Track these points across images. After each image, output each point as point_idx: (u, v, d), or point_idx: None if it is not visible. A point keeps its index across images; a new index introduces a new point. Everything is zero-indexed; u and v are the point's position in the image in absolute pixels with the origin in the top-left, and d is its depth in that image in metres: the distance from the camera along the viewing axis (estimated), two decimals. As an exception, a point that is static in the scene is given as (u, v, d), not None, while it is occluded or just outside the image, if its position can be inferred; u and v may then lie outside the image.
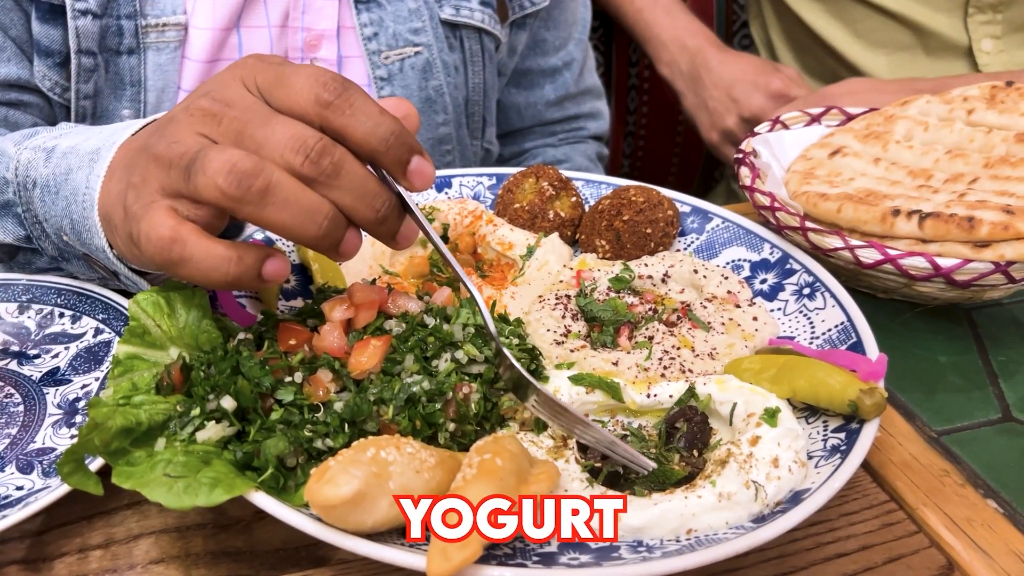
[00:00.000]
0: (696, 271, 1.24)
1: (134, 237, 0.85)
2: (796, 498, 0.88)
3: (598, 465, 0.91)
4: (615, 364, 1.08)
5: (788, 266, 1.24)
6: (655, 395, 1.05)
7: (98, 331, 1.14)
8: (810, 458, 0.94)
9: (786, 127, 1.51)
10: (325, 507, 0.76)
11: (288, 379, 0.90)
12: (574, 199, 1.36)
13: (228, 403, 0.87)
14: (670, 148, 2.80)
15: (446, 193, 1.44)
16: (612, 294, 1.22)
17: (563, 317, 1.16)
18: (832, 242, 1.20)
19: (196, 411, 0.87)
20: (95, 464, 0.87)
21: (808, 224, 1.22)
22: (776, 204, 1.26)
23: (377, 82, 1.59)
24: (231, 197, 0.80)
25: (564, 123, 2.01)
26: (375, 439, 0.83)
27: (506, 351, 0.94)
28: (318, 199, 0.83)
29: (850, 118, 1.54)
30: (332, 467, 0.78)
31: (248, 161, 0.80)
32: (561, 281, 1.25)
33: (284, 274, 0.87)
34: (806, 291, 1.20)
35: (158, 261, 0.83)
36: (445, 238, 1.35)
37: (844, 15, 2.17)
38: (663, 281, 1.25)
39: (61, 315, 1.17)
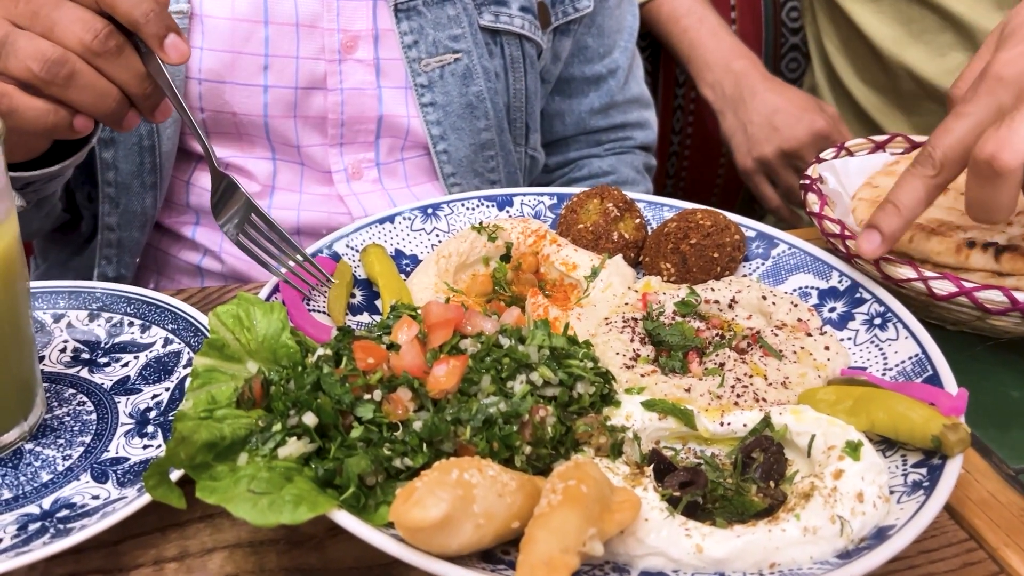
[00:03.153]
0: (764, 297, 1.22)
1: None
2: (880, 534, 0.86)
3: (677, 494, 0.90)
4: (687, 391, 1.07)
5: (858, 295, 1.23)
6: (729, 423, 1.03)
7: (167, 341, 1.15)
8: (891, 493, 0.93)
9: (851, 154, 1.50)
10: (412, 529, 0.76)
11: (367, 397, 0.90)
12: (638, 221, 1.36)
13: (310, 419, 0.87)
14: (713, 171, 2.79)
15: (507, 211, 1.44)
16: (678, 318, 1.21)
17: (631, 340, 1.15)
18: (905, 272, 1.18)
19: (278, 426, 0.87)
20: (174, 476, 0.87)
21: (880, 253, 1.21)
22: (847, 232, 1.25)
23: (418, 89, 1.60)
24: (41, 80, 1.00)
25: (610, 132, 2.00)
26: (458, 460, 0.83)
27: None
28: (108, 83, 1.03)
29: (915, 146, 1.52)
30: (419, 488, 0.77)
31: (55, 51, 0.98)
32: (627, 304, 1.24)
33: (89, 127, 1.07)
34: (877, 321, 1.18)
35: None
36: (507, 257, 1.35)
37: (900, 15, 2.14)
38: (730, 307, 1.24)
39: (131, 324, 1.18)
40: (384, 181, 1.71)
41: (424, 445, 0.88)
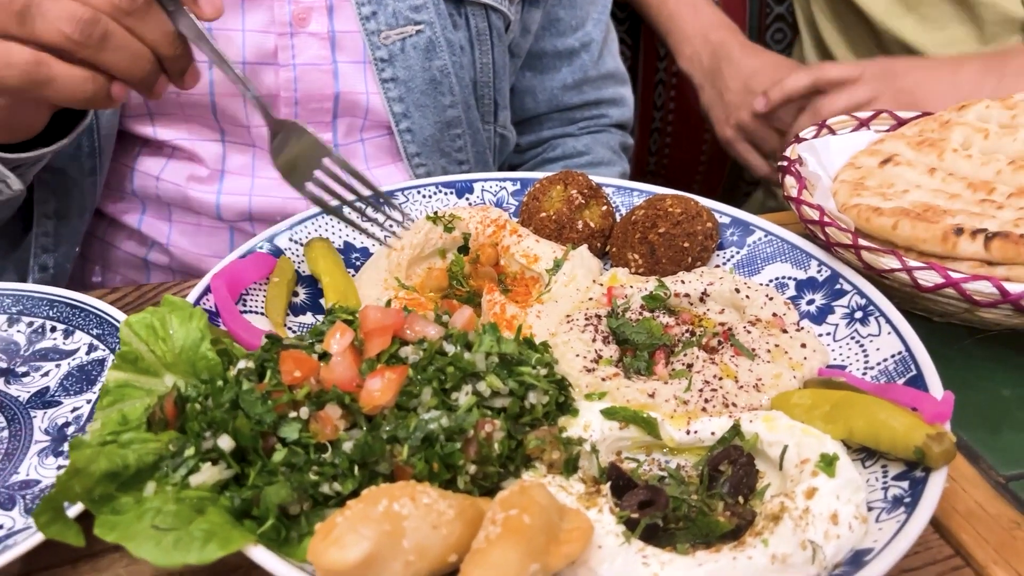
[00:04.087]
0: (738, 290, 1.14)
1: None
2: (857, 559, 0.79)
3: (635, 516, 0.82)
4: (651, 396, 0.99)
5: (838, 286, 1.14)
6: (695, 431, 0.95)
7: (91, 348, 1.06)
8: (870, 509, 0.85)
9: (832, 132, 1.41)
10: (330, 571, 0.68)
11: (293, 415, 0.82)
12: (604, 208, 1.27)
13: (225, 443, 0.78)
14: (698, 146, 2.69)
15: (467, 199, 1.35)
16: (646, 313, 1.12)
17: (593, 340, 1.06)
18: (888, 262, 1.10)
19: (190, 451, 0.79)
20: (77, 508, 0.78)
21: (861, 242, 1.12)
22: (826, 219, 1.16)
23: (377, 63, 1.50)
24: (74, 42, 0.94)
25: (584, 109, 1.90)
26: (388, 488, 0.75)
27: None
28: (140, 44, 0.99)
29: (901, 123, 1.43)
30: (339, 524, 0.69)
31: (86, 11, 0.94)
32: (591, 299, 1.16)
33: (124, 95, 1.03)
34: (858, 315, 1.10)
35: (20, 83, 0.96)
36: (465, 249, 1.26)
37: None
38: (701, 300, 1.16)
39: (53, 329, 1.09)
40: None
41: (355, 468, 0.80)
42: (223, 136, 1.54)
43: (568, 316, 1.12)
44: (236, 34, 1.44)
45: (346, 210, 1.11)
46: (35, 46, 0.96)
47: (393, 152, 1.62)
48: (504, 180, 1.36)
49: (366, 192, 1.11)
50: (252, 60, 1.47)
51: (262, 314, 1.09)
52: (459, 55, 1.57)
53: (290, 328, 1.10)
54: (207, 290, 1.05)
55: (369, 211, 1.12)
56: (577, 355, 1.04)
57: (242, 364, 0.86)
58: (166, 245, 1.59)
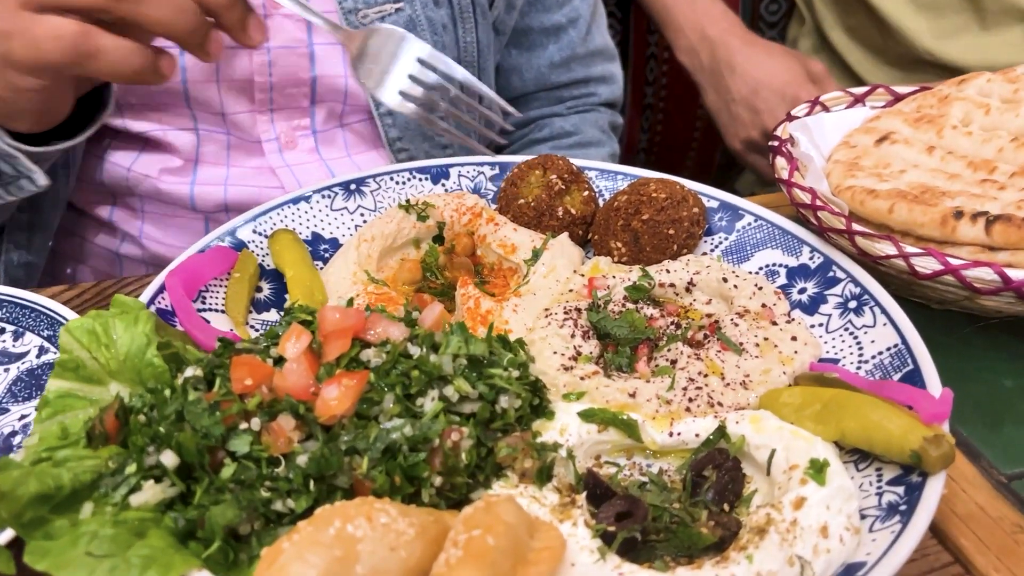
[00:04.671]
0: (725, 279, 1.08)
1: (10, 55, 0.94)
2: (849, 574, 0.73)
3: (612, 529, 0.77)
4: (632, 395, 0.93)
5: (831, 274, 1.09)
6: (679, 433, 0.90)
7: (42, 350, 1.01)
8: (863, 517, 0.80)
9: (826, 109, 1.34)
10: (275, 603, 0.62)
11: (243, 426, 0.76)
12: (586, 193, 1.20)
13: (169, 459, 0.73)
14: (691, 122, 2.62)
15: (443, 185, 1.28)
16: (629, 305, 1.07)
17: (572, 336, 1.01)
18: (884, 248, 1.04)
19: (132, 468, 0.73)
20: (7, 534, 0.73)
21: (855, 227, 1.06)
22: (818, 202, 1.10)
23: None
24: None
25: (572, 87, 1.83)
26: (342, 507, 0.69)
27: None
28: None
29: (898, 98, 1.37)
30: (285, 551, 0.64)
31: None
32: (571, 290, 1.10)
33: (175, 67, 1.01)
34: (852, 304, 1.04)
35: (67, 57, 0.93)
36: (440, 239, 1.20)
37: None
38: (687, 290, 1.10)
39: (1, 331, 1.03)
40: (322, 150, 1.55)
41: (311, 483, 0.75)
42: (196, 124, 1.47)
43: (547, 310, 1.06)
44: None
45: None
46: (76, 17, 0.92)
47: (374, 138, 1.55)
48: (482, 164, 1.30)
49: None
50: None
51: (223, 312, 1.04)
52: (441, 34, 1.50)
53: (253, 327, 1.04)
54: (162, 288, 0.99)
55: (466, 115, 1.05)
56: (555, 352, 0.98)
57: (189, 372, 0.80)
58: (138, 238, 1.53)
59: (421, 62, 1.05)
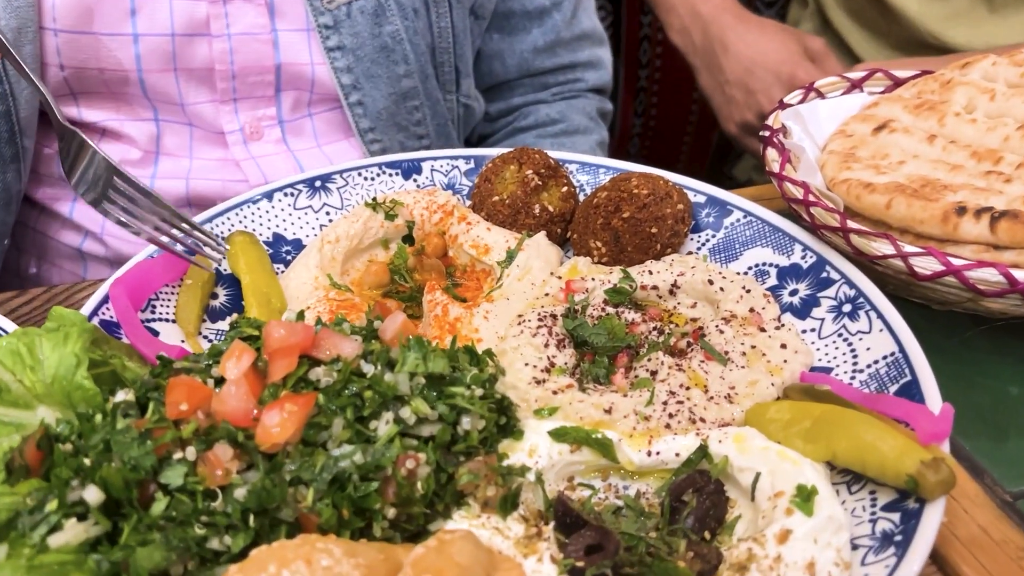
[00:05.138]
0: (711, 281, 1.01)
1: None
2: (838, 615, 0.67)
3: (580, 565, 0.70)
4: (608, 411, 0.86)
5: (824, 274, 1.02)
6: (658, 452, 0.84)
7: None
8: (854, 548, 0.73)
9: (821, 95, 1.27)
10: (197, 664, 0.56)
11: (178, 456, 0.70)
12: (565, 189, 1.13)
13: (93, 495, 0.67)
14: (686, 105, 2.54)
15: (415, 180, 1.21)
16: (609, 309, 1.00)
17: (546, 345, 0.94)
18: (881, 248, 0.97)
19: (53, 505, 0.67)
20: (-83, 580, 0.67)
21: (851, 224, 0.99)
22: (811, 197, 1.03)
23: (321, 31, 1.36)
24: None
25: (557, 73, 1.75)
26: (280, 549, 0.63)
27: None
28: None
29: (898, 83, 1.29)
30: (210, 604, 0.58)
31: None
32: (547, 294, 1.03)
33: None
34: (846, 308, 0.98)
35: None
36: (410, 239, 1.13)
37: None
38: (671, 293, 1.03)
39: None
40: (289, 141, 1.47)
41: (251, 517, 0.68)
42: (156, 115, 1.40)
43: (520, 316, 0.99)
44: (163, 3, 1.30)
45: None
46: None
47: (344, 127, 1.48)
48: (456, 158, 1.23)
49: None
50: (182, 31, 1.33)
51: (174, 322, 0.97)
52: (412, 19, 1.42)
53: (206, 337, 0.98)
54: (106, 299, 0.93)
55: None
56: (526, 364, 0.92)
57: (120, 396, 0.74)
58: (100, 235, 1.46)
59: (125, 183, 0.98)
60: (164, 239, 0.96)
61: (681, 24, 1.93)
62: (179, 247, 0.98)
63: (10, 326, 0.96)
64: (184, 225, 0.98)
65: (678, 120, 2.57)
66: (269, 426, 0.71)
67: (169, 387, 0.73)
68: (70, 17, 1.28)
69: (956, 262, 0.94)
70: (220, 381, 0.76)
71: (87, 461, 0.68)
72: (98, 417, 0.73)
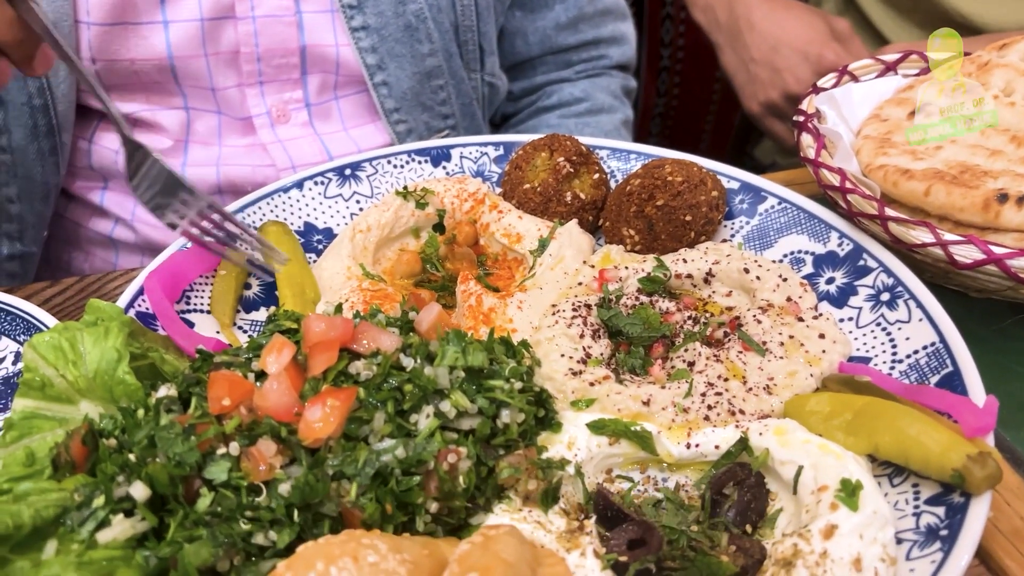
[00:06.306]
0: (747, 269, 1.00)
1: None
2: (884, 611, 0.67)
3: (624, 559, 0.70)
4: (646, 403, 0.86)
5: (861, 262, 1.00)
6: (697, 445, 0.83)
7: (19, 356, 0.94)
8: (899, 542, 0.73)
9: (855, 78, 1.25)
10: (250, 661, 0.57)
11: (221, 451, 0.70)
12: (596, 176, 1.12)
13: (139, 491, 0.67)
14: (709, 84, 2.51)
15: (444, 168, 1.20)
16: (643, 298, 0.99)
17: (581, 336, 0.94)
18: (920, 236, 0.96)
19: (100, 501, 0.67)
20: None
21: (888, 211, 0.98)
22: (848, 184, 1.02)
23: (345, 11, 1.35)
24: None
25: (581, 50, 1.73)
26: (327, 545, 0.63)
27: None
28: None
29: (933, 65, 1.26)
30: (261, 602, 0.58)
31: None
32: (580, 283, 1.03)
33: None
34: (884, 297, 0.96)
35: None
36: (441, 227, 1.13)
37: None
38: (706, 281, 1.02)
39: (-24, 336, 0.97)
40: (316, 124, 1.47)
41: (295, 512, 0.68)
42: (186, 102, 1.41)
43: (554, 306, 0.99)
44: None
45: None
46: None
47: (370, 111, 1.48)
48: (486, 145, 1.22)
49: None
50: (208, 15, 1.33)
51: (209, 313, 0.97)
52: None
53: (241, 328, 0.98)
54: (141, 291, 0.93)
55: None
56: (562, 355, 0.91)
57: (162, 392, 0.74)
58: (130, 221, 1.47)
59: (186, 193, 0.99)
60: (224, 247, 0.98)
61: (705, 2, 1.90)
62: (230, 251, 1.00)
63: (50, 320, 0.96)
64: (235, 229, 0.99)
65: (700, 100, 2.54)
66: (312, 421, 0.71)
67: (210, 382, 0.73)
68: (103, 9, 1.28)
69: (997, 250, 0.92)
70: (260, 375, 0.76)
71: (132, 457, 0.69)
72: (140, 412, 0.73)
